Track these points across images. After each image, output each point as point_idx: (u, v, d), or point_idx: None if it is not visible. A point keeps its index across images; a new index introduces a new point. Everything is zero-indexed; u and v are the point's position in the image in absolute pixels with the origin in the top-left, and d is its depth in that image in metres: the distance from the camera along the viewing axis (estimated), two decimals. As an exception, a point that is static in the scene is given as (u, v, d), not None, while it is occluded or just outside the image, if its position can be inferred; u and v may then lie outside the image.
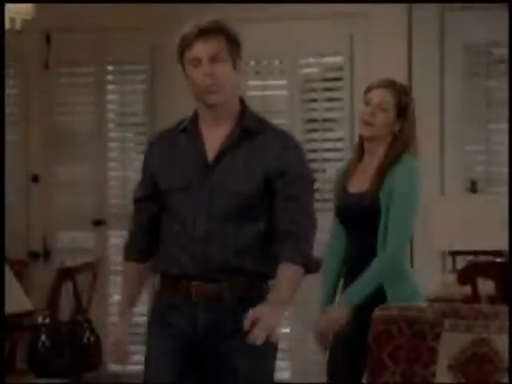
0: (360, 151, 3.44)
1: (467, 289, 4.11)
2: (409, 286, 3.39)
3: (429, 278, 5.05)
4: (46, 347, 4.59)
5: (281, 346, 5.18)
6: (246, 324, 2.52)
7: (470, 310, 3.08)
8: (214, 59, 2.67)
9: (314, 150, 5.39)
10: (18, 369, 5.09)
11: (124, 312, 2.90)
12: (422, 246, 5.13)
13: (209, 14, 5.30)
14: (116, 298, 5.71)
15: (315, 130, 5.45)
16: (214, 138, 2.74)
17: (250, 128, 2.73)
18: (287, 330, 5.43)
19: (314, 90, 5.39)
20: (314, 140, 5.43)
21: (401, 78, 5.22)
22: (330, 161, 5.39)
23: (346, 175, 3.44)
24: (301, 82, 5.42)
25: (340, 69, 5.35)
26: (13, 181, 5.83)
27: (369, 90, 3.42)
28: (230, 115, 2.74)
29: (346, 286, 3.40)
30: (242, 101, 2.78)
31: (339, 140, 5.40)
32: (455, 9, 5.13)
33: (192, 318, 2.72)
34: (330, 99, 5.40)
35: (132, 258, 2.88)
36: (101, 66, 5.71)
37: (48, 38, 5.68)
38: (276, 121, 5.40)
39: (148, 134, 5.63)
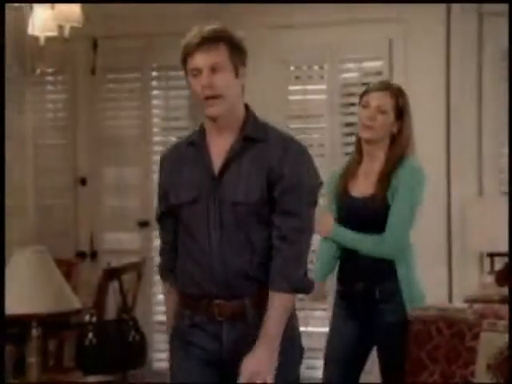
0: (359, 154, 3.42)
1: (505, 290, 4.07)
2: (415, 287, 3.37)
3: (467, 279, 5.02)
4: (93, 345, 4.61)
5: (315, 345, 5.22)
6: (244, 379, 2.51)
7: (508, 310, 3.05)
8: (214, 69, 2.58)
9: (354, 153, 5.38)
10: (65, 366, 5.13)
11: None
12: (460, 247, 5.09)
13: (250, 21, 5.36)
14: (160, 297, 5.74)
15: (354, 134, 5.41)
16: (219, 149, 2.66)
17: (252, 136, 2.64)
18: (323, 330, 5.40)
19: (353, 95, 5.37)
20: (353, 143, 5.39)
21: (439, 83, 5.24)
22: (368, 164, 5.38)
23: (345, 178, 3.41)
24: (340, 86, 5.40)
25: (379, 73, 5.32)
26: (62, 183, 5.88)
27: (366, 93, 3.41)
28: (233, 125, 2.65)
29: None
30: (247, 108, 2.69)
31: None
32: (493, 14, 5.08)
33: (217, 337, 2.63)
34: (369, 103, 5.37)
35: (168, 277, 2.77)
36: (146, 72, 5.74)
37: (95, 45, 5.71)
38: (315, 124, 5.50)
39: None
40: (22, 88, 5.49)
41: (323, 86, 5.44)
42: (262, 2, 5.34)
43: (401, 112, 3.37)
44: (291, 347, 2.63)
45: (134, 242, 5.83)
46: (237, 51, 2.63)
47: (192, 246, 2.64)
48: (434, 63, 5.18)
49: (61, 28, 4.76)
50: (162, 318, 5.66)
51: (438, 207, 5.13)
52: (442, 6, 5.15)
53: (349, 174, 3.42)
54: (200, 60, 2.57)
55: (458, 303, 3.33)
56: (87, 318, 4.62)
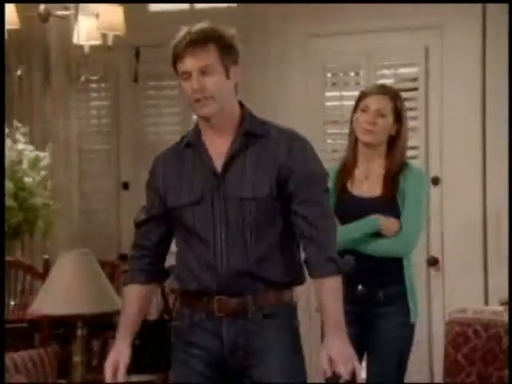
0: (353, 155, 3.37)
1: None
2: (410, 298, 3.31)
3: (503, 282, 4.97)
4: (136, 345, 4.62)
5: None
6: (325, 364, 2.42)
7: (545, 313, 3.02)
8: (203, 72, 2.49)
9: (391, 158, 5.37)
10: (110, 365, 5.14)
11: (125, 334, 2.72)
12: (495, 250, 5.05)
13: (289, 29, 5.36)
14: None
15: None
16: (218, 148, 2.57)
17: (252, 131, 2.57)
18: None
19: (388, 100, 5.36)
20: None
21: (475, 89, 5.19)
22: (406, 168, 5.36)
23: (343, 177, 3.36)
24: (376, 92, 5.38)
25: (415, 79, 5.30)
26: (105, 187, 5.91)
27: (364, 96, 3.37)
28: (230, 123, 2.57)
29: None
30: (241, 105, 2.61)
31: (414, 148, 5.33)
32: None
33: (217, 334, 2.56)
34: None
35: (140, 281, 2.65)
36: (186, 79, 5.75)
37: (137, 53, 5.74)
38: (353, 130, 5.46)
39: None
40: (67, 95, 5.54)
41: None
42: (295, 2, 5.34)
43: (399, 115, 3.35)
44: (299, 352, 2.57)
45: (174, 245, 5.83)
46: (227, 51, 2.54)
47: (195, 244, 2.55)
48: (470, 69, 5.14)
49: (104, 36, 4.80)
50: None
51: (473, 211, 5.09)
52: (478, 12, 5.11)
53: (345, 174, 3.37)
54: (189, 64, 2.50)
55: (495, 306, 3.28)
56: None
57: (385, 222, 3.28)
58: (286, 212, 2.55)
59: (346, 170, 3.37)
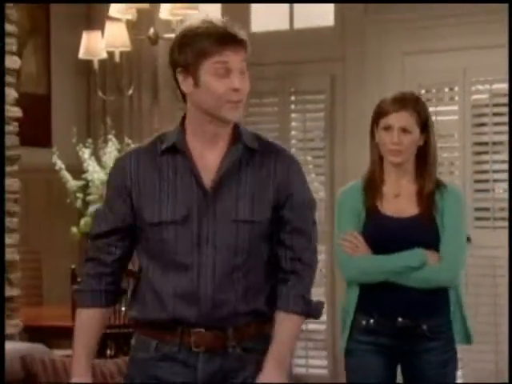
0: (380, 171, 2.98)
1: None
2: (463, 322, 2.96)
3: None
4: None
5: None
6: None
7: None
8: (242, 72, 2.17)
9: (484, 171, 5.32)
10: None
11: (87, 366, 2.24)
12: None
13: (385, 47, 5.36)
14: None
15: (485, 153, 5.36)
16: (208, 159, 2.19)
17: (250, 146, 2.20)
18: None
19: (483, 115, 5.30)
20: (484, 162, 5.35)
21: None
22: (498, 181, 5.30)
23: (371, 195, 2.94)
24: (470, 107, 5.34)
25: (508, 95, 5.23)
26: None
27: (385, 113, 2.94)
28: (226, 132, 2.21)
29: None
30: None
31: (504, 162, 5.27)
32: None
33: (190, 366, 2.17)
34: (498, 123, 5.28)
35: (100, 304, 2.23)
36: (284, 97, 5.81)
37: (239, 72, 5.82)
38: (447, 144, 5.44)
39: (326, 157, 5.68)
40: (173, 112, 5.63)
41: (455, 107, 5.39)
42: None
43: (425, 125, 2.96)
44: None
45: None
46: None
47: (171, 267, 2.15)
48: None
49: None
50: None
51: None
52: None
53: (373, 191, 2.96)
54: (233, 60, 2.14)
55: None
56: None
57: (431, 256, 2.88)
58: (272, 238, 2.22)
59: (373, 187, 2.95)
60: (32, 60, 5.62)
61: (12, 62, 4.26)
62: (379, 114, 2.97)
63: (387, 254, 2.87)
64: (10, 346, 3.39)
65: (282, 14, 5.75)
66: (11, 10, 4.25)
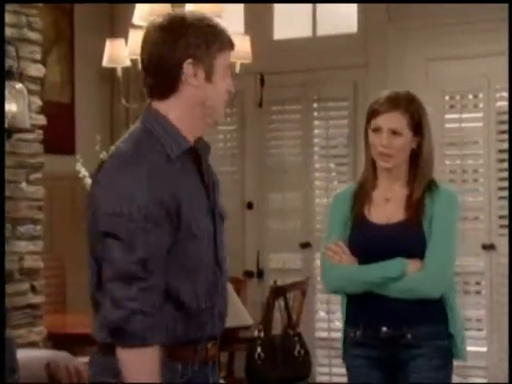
0: (373, 176, 2.78)
1: None
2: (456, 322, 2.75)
3: None
4: (262, 358, 4.65)
5: (479, 364, 5.09)
6: None
7: None
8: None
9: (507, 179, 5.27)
10: (236, 377, 5.20)
11: None
12: None
13: (410, 53, 5.33)
14: (322, 314, 5.75)
15: (505, 160, 5.31)
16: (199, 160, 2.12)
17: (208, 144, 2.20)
18: (484, 349, 5.27)
19: (507, 122, 5.25)
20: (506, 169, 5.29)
21: None
22: (522, 188, 5.25)
23: (361, 202, 2.76)
24: (495, 114, 5.29)
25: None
26: (230, 207, 5.98)
27: (375, 114, 2.73)
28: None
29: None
30: None
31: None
32: None
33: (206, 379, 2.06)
34: (522, 130, 5.24)
35: (161, 338, 1.97)
36: (307, 104, 5.79)
37: (262, 80, 5.81)
38: (472, 151, 5.40)
39: (350, 164, 5.66)
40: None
41: (479, 114, 5.35)
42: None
43: (418, 125, 2.73)
44: None
45: (297, 261, 5.87)
46: None
47: (205, 282, 2.02)
48: None
49: (231, 64, 4.86)
50: (324, 334, 5.67)
51: None
52: None
53: (363, 196, 2.76)
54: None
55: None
56: (256, 332, 4.67)
57: (413, 265, 2.68)
58: None
59: (364, 192, 2.77)
60: (56, 68, 5.64)
61: (36, 70, 4.28)
62: (370, 114, 2.77)
63: (370, 264, 2.69)
64: (34, 353, 3.40)
65: (304, 20, 5.74)
66: (35, 18, 4.27)
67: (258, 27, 5.74)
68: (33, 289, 4.17)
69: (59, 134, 5.35)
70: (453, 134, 5.37)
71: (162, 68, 2.00)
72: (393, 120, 2.71)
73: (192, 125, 2.05)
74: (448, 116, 5.41)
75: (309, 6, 5.72)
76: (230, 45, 2.06)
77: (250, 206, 5.95)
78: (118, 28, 5.63)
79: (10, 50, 4.02)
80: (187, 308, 2.00)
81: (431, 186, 2.76)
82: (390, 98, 2.74)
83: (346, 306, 2.79)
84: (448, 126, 5.39)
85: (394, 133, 2.71)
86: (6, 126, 3.95)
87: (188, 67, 2.00)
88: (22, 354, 3.09)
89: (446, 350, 2.72)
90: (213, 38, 2.01)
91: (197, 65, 2.00)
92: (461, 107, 5.42)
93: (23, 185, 4.19)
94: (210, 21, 2.03)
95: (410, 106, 2.73)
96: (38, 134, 4.28)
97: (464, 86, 5.36)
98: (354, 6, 5.60)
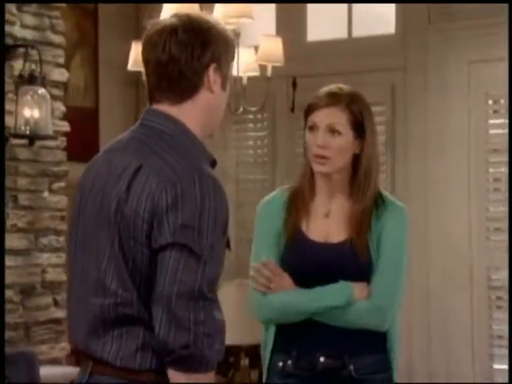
0: (310, 185, 2.51)
1: None
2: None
3: None
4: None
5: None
6: None
7: None
8: None
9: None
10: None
11: None
12: None
13: (451, 56, 5.29)
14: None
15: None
16: None
17: None
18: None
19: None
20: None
21: None
22: None
23: (295, 215, 2.48)
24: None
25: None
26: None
27: (311, 109, 2.48)
28: None
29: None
30: None
31: None
32: None
33: None
34: None
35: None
36: (342, 109, 5.77)
37: (294, 83, 5.80)
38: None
39: (387, 173, 5.63)
40: (226, 126, 5.64)
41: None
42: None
43: (361, 126, 2.47)
44: None
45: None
46: None
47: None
48: None
49: (262, 67, 4.87)
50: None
51: None
52: None
53: (299, 208, 2.49)
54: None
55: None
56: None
57: (359, 291, 2.45)
58: None
59: (299, 204, 2.49)
60: (79, 72, 5.67)
61: (59, 74, 4.30)
62: (306, 110, 2.51)
63: (308, 289, 2.44)
64: (58, 370, 3.41)
65: (339, 21, 5.72)
66: (58, 21, 4.30)
67: (291, 28, 5.73)
68: (55, 303, 4.19)
69: (83, 141, 5.37)
70: (497, 140, 5.31)
71: (186, 70, 2.00)
72: (330, 116, 2.45)
73: (201, 132, 2.05)
74: (492, 121, 5.35)
75: (344, 5, 5.70)
76: (233, 57, 2.10)
77: (282, 216, 5.93)
78: (144, 31, 5.64)
79: (33, 53, 4.05)
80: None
81: (377, 198, 2.50)
82: (330, 92, 2.49)
83: (276, 330, 2.51)
84: (492, 131, 5.33)
85: (332, 131, 2.46)
86: (28, 132, 3.98)
87: (212, 72, 2.02)
88: (46, 372, 3.09)
89: (389, 382, 2.51)
90: (231, 47, 2.06)
91: (218, 71, 2.02)
92: (505, 112, 5.37)
93: (45, 194, 4.20)
94: (224, 28, 2.06)
95: (352, 103, 2.47)
96: (61, 141, 4.30)
97: (508, 89, 5.31)
98: (391, 6, 5.58)
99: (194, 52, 2.00)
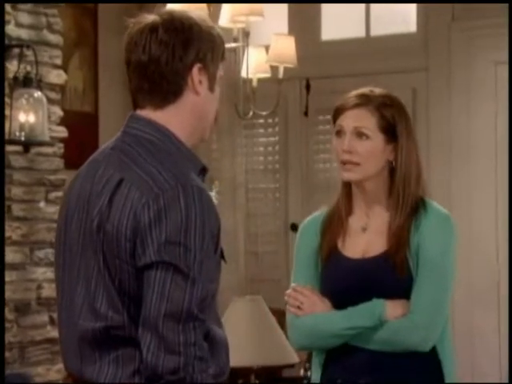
0: (347, 201, 2.46)
1: None
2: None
3: None
4: None
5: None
6: None
7: None
8: None
9: None
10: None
11: None
12: None
13: (474, 57, 5.28)
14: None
15: None
16: None
17: None
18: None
19: None
20: None
21: None
22: None
23: (332, 234, 2.46)
24: None
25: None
26: (272, 229, 5.96)
27: (338, 113, 2.46)
28: None
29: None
30: None
31: None
32: None
33: None
34: None
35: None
36: (359, 112, 5.76)
37: (307, 86, 5.79)
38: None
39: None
40: (233, 131, 5.63)
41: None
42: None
43: (393, 131, 2.42)
44: None
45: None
46: None
47: (216, 317, 2.03)
48: None
49: (273, 69, 4.86)
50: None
51: None
52: None
53: (336, 225, 2.46)
54: None
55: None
56: (301, 372, 4.63)
57: (392, 308, 2.38)
58: None
59: (336, 220, 2.46)
60: (78, 74, 5.67)
61: (56, 76, 4.28)
62: (333, 113, 2.48)
63: (340, 310, 2.41)
64: (54, 394, 3.39)
65: (356, 19, 5.71)
66: (56, 19, 4.28)
67: (304, 27, 5.72)
68: (51, 321, 4.17)
69: (81, 148, 5.36)
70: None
71: (167, 71, 1.98)
72: (357, 118, 2.40)
73: (189, 138, 2.01)
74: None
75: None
76: (224, 56, 2.05)
77: (293, 227, 5.90)
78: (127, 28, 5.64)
79: (28, 54, 4.04)
80: (219, 349, 1.96)
81: (419, 207, 2.42)
82: (359, 93, 2.45)
83: (325, 358, 2.47)
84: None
85: (360, 135, 2.40)
86: (23, 138, 3.97)
87: (197, 72, 1.99)
88: (41, 396, 3.08)
89: None
90: (219, 46, 2.01)
91: (203, 72, 1.99)
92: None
93: (41, 204, 4.19)
94: (213, 26, 2.03)
95: (384, 106, 2.43)
96: (58, 148, 4.28)
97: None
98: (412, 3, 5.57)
99: (175, 52, 1.97)
